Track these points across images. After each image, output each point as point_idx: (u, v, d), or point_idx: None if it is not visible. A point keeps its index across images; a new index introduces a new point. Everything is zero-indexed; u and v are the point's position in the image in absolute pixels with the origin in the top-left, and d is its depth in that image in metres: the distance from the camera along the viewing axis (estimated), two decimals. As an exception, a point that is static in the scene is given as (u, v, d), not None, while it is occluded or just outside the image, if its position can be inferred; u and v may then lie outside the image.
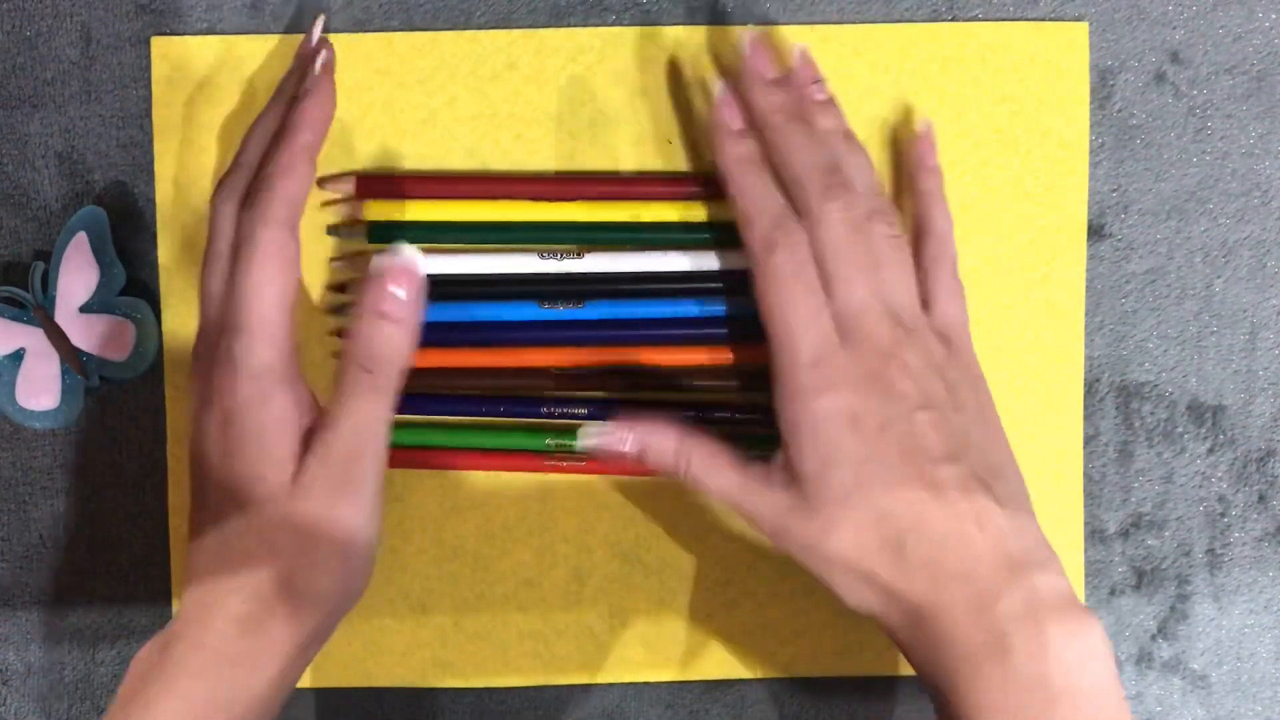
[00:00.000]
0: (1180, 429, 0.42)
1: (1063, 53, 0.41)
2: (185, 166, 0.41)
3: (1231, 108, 0.42)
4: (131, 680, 0.33)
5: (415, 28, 0.41)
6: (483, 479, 0.41)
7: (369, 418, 0.35)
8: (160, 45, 0.41)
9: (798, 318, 0.35)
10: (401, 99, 0.41)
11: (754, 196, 0.37)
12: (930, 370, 0.36)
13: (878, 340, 0.35)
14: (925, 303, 0.37)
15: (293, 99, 0.38)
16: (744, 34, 0.39)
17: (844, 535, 0.34)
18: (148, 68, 0.41)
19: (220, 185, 0.38)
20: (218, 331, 0.36)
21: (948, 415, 0.35)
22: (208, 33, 0.41)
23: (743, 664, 0.42)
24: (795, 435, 0.35)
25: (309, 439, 0.35)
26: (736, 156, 0.38)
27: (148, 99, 0.41)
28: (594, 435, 0.37)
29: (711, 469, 0.36)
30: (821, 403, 0.35)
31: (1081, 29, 0.41)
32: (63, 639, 0.42)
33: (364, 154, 0.41)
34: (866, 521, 0.34)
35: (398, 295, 0.36)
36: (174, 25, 0.41)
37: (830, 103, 0.39)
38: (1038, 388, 0.42)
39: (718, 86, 0.38)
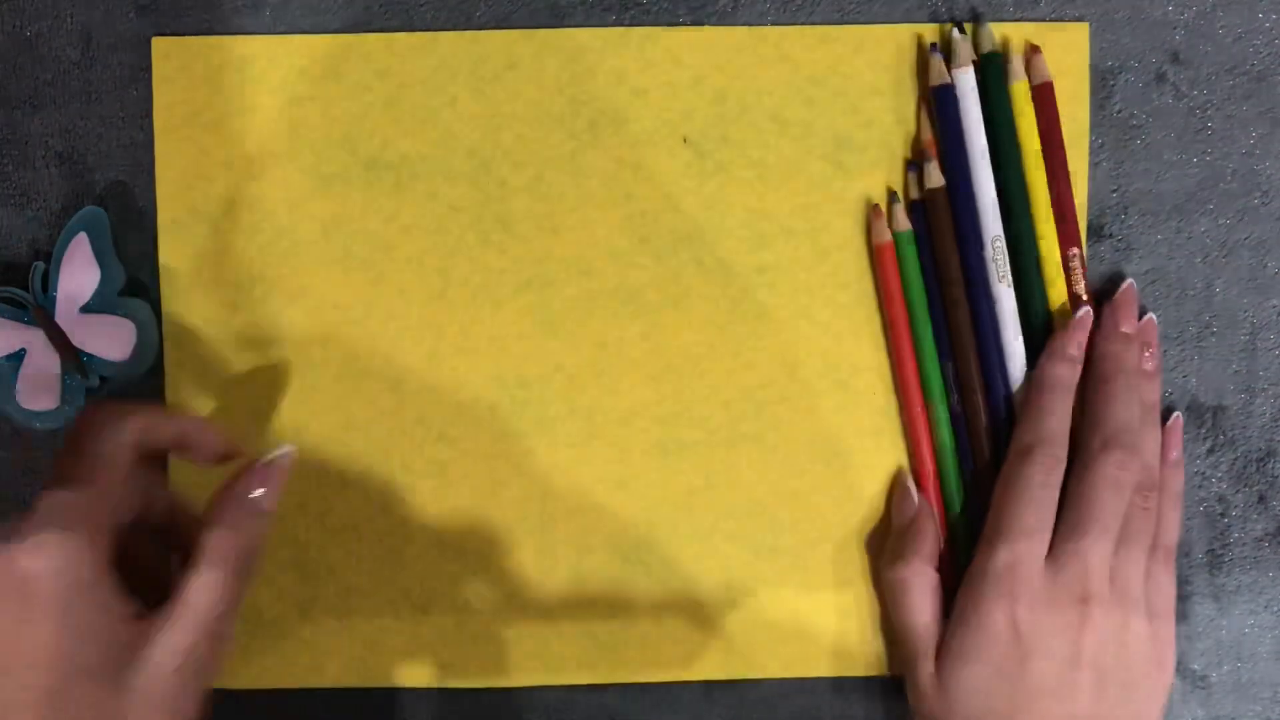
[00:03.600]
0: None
1: (1063, 53, 0.41)
2: (185, 167, 0.41)
3: (1231, 108, 0.42)
4: None
5: (415, 28, 0.41)
6: (483, 478, 0.41)
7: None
8: (160, 45, 0.41)
9: (1018, 523, 0.37)
10: (401, 99, 0.41)
11: (1047, 412, 0.39)
12: (1113, 640, 0.37)
13: (1082, 586, 0.37)
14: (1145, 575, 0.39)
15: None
16: (1126, 284, 0.41)
17: None
18: (148, 68, 0.41)
19: None
20: None
21: (1105, 686, 0.37)
22: (208, 33, 0.41)
23: (743, 664, 0.42)
24: (957, 610, 0.38)
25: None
26: (1057, 376, 0.39)
27: (148, 99, 0.41)
28: (904, 486, 0.41)
29: (919, 593, 0.39)
30: (997, 605, 0.37)
31: (1082, 29, 0.41)
32: (63, 639, 0.42)
33: (364, 154, 0.41)
34: None
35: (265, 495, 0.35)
36: (174, 25, 0.41)
37: (1155, 374, 0.40)
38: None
39: (1082, 310, 0.40)
